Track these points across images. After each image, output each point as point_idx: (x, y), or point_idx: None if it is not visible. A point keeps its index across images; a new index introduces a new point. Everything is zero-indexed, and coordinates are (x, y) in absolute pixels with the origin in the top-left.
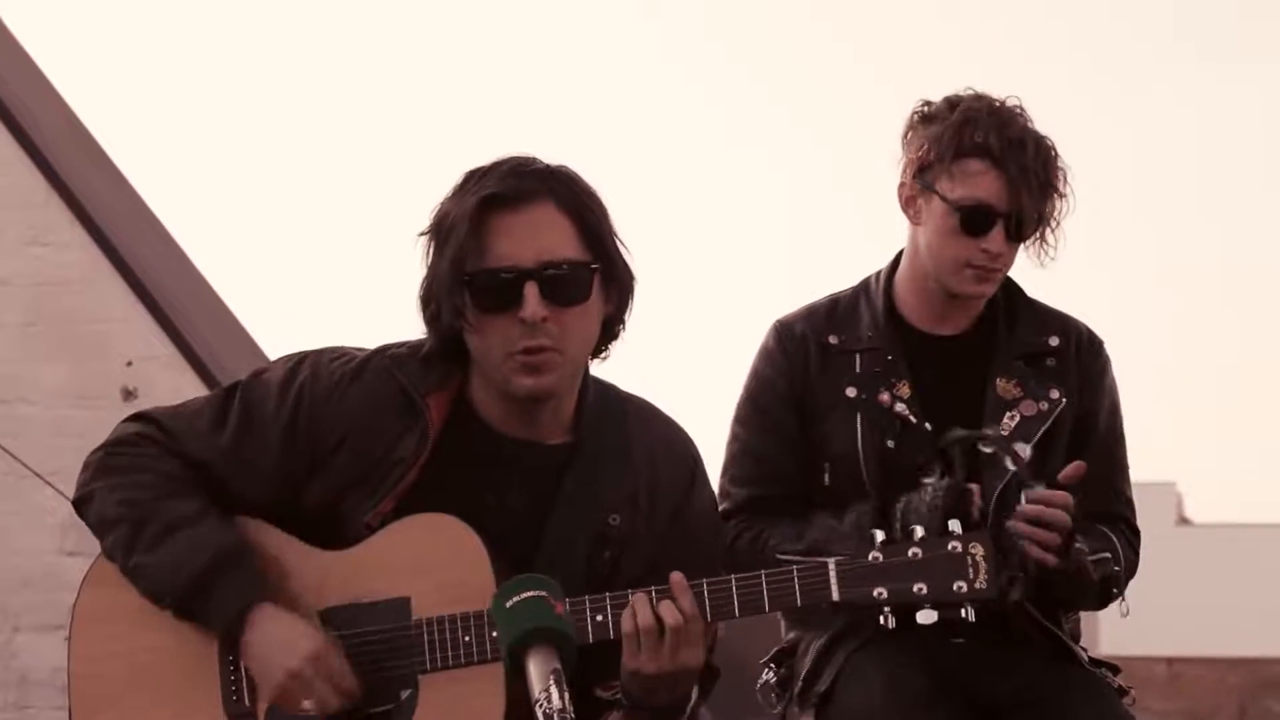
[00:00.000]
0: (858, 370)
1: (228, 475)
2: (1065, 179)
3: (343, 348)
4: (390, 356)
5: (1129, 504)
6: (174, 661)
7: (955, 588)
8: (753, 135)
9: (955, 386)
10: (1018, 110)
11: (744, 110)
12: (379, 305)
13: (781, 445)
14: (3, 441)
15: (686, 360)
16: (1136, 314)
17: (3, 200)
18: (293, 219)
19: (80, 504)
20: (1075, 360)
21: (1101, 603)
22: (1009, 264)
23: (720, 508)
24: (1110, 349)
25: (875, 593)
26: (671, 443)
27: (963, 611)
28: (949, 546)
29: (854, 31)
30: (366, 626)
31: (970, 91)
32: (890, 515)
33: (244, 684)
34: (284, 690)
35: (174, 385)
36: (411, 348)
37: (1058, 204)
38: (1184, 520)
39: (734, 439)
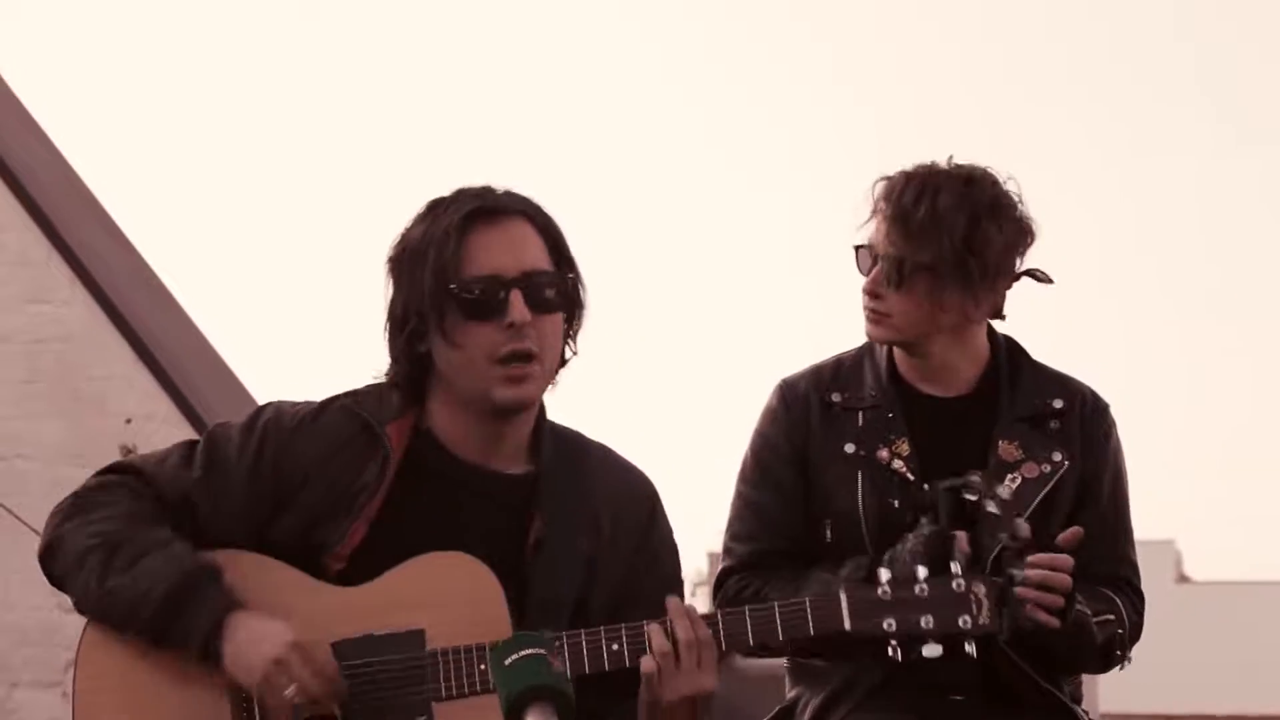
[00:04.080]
0: (859, 427)
1: (198, 510)
2: (971, 229)
3: (303, 399)
4: (348, 395)
5: (1133, 567)
6: (180, 699)
7: (960, 622)
8: (758, 186)
9: (956, 447)
10: (942, 167)
11: (748, 158)
12: (379, 362)
13: (784, 503)
14: (1, 498)
15: (693, 413)
16: (1138, 372)
17: (3, 257)
18: (293, 277)
19: (49, 551)
20: (1079, 423)
21: (1104, 665)
22: (900, 310)
23: (723, 564)
24: (1113, 407)
25: (885, 624)
26: (630, 478)
27: (966, 645)
28: (953, 585)
29: (867, 92)
30: (380, 656)
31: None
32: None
33: (256, 714)
34: (268, 680)
35: (173, 442)
36: (366, 387)
37: (963, 256)
38: (1183, 578)
39: (738, 496)
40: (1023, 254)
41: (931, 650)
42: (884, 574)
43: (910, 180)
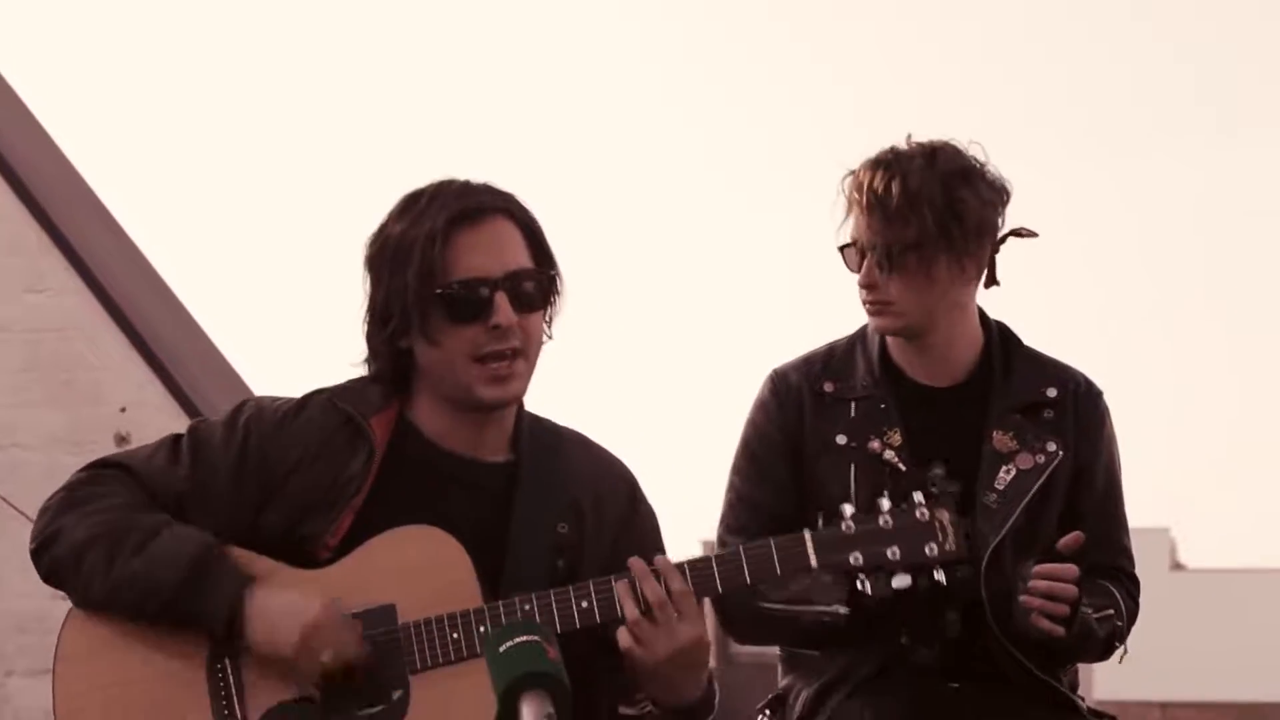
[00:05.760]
0: (851, 417)
1: (186, 507)
2: (948, 197)
3: (282, 395)
4: (329, 390)
5: (1128, 554)
6: (159, 688)
7: (927, 550)
8: (759, 186)
9: (950, 437)
10: (904, 148)
11: (743, 157)
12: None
13: (776, 494)
14: None
15: (687, 401)
16: (1132, 359)
17: None
18: (289, 266)
19: (44, 546)
20: (1073, 412)
21: (1103, 656)
22: (899, 295)
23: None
24: (1106, 394)
25: (851, 558)
26: (606, 461)
27: (935, 573)
28: (916, 513)
29: (860, 78)
30: None
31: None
32: None
33: (234, 697)
34: (304, 647)
35: (167, 431)
36: (348, 382)
37: (946, 224)
38: (1178, 565)
39: (730, 488)
40: (1002, 213)
41: (901, 581)
42: (847, 509)
43: (877, 167)
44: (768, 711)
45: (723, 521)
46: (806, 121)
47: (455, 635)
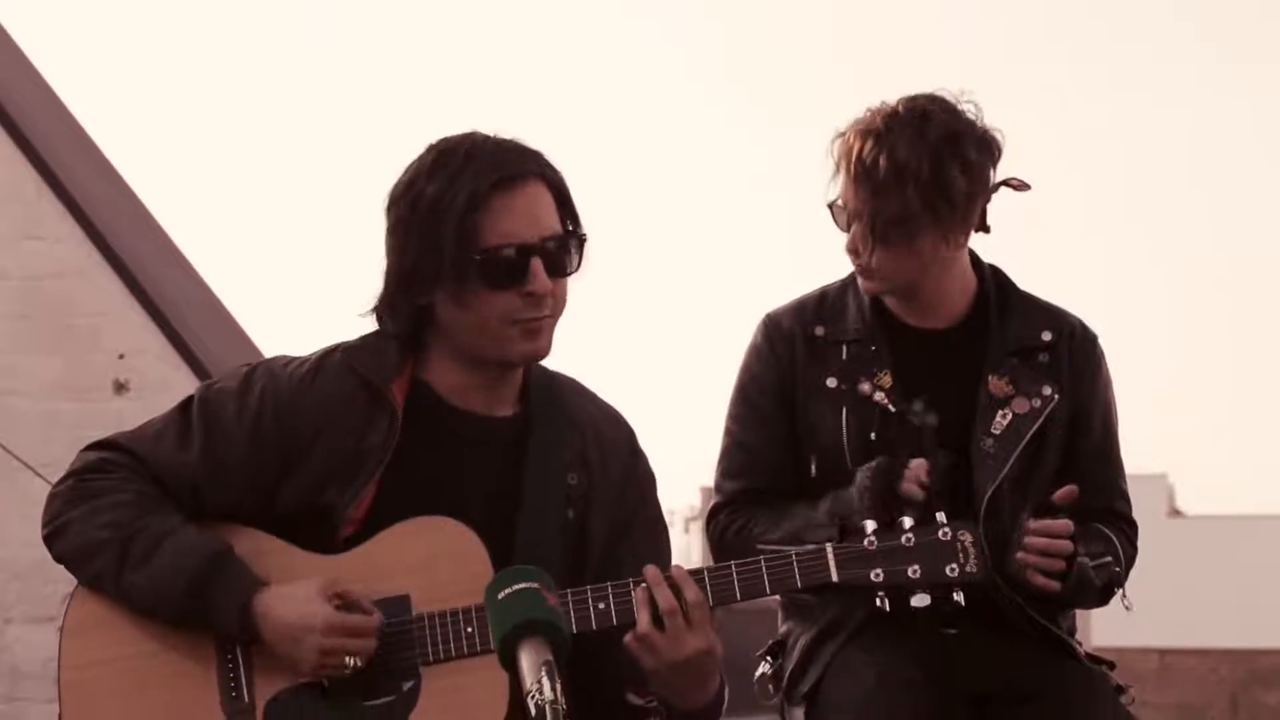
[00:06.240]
0: (842, 360)
1: (202, 489)
2: (936, 173)
3: (291, 355)
4: (343, 350)
5: (1125, 498)
6: (167, 665)
7: (948, 570)
8: (751, 131)
9: (944, 380)
10: (894, 109)
11: (742, 104)
12: (369, 299)
13: (771, 439)
14: None
15: (686, 347)
16: (1129, 304)
17: None
18: (285, 212)
19: (54, 536)
20: (1068, 356)
21: (1103, 601)
22: (883, 264)
23: (713, 501)
24: (1103, 339)
25: (873, 574)
26: (605, 409)
27: (954, 594)
28: (939, 534)
29: (852, 27)
30: None
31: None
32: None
33: (243, 680)
34: (325, 667)
35: (165, 378)
36: (361, 340)
37: (932, 201)
38: (1176, 512)
39: (726, 433)
40: (994, 168)
41: (920, 600)
42: (869, 525)
43: (866, 137)
44: (768, 658)
45: (719, 465)
46: (802, 69)
47: (470, 629)
